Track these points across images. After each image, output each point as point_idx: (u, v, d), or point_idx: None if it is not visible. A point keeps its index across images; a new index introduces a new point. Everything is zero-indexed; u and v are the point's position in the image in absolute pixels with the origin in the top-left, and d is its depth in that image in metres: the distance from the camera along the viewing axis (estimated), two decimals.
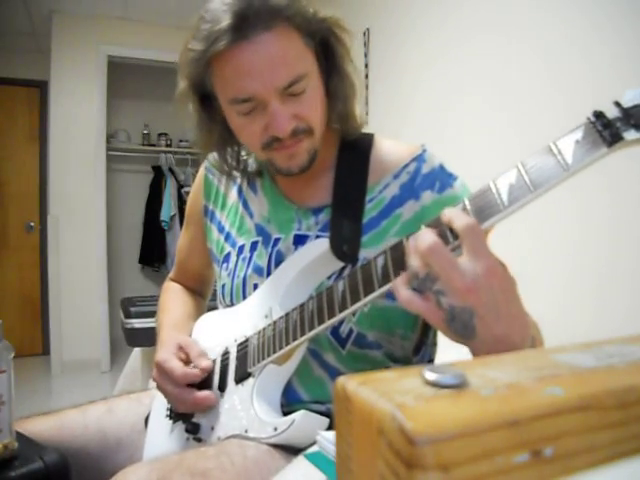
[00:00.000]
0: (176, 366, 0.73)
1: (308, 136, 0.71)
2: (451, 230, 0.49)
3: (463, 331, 0.48)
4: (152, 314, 2.24)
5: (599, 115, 0.45)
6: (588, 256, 1.40)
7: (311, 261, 0.73)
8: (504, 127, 1.72)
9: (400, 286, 0.50)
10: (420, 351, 0.78)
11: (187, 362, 0.76)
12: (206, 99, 0.75)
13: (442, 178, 0.75)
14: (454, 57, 1.99)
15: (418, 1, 2.24)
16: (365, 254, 0.73)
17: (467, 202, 0.52)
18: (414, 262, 0.49)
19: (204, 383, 0.76)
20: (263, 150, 0.72)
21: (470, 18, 1.90)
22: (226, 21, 0.63)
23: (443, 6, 2.07)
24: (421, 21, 2.21)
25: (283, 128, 0.68)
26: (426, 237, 0.48)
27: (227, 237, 0.87)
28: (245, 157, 0.87)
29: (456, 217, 0.49)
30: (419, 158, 0.76)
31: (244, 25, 0.64)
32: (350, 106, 0.76)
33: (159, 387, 0.76)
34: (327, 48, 0.72)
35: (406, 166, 0.76)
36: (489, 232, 0.52)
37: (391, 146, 0.80)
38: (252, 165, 0.88)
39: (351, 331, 0.73)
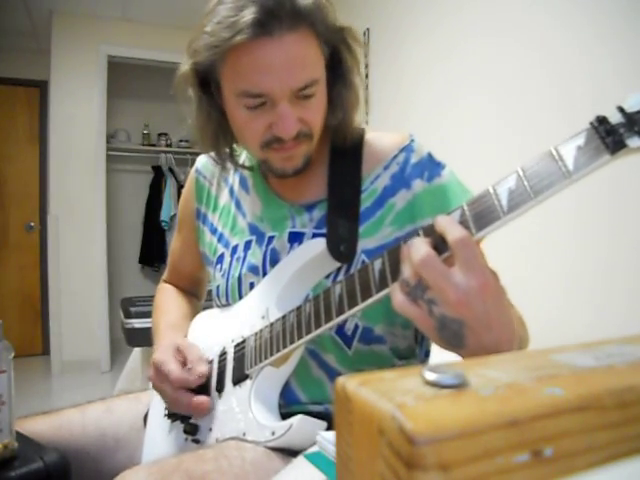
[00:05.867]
0: (173, 369, 0.73)
1: (308, 140, 0.71)
2: (444, 241, 0.49)
3: (453, 339, 0.48)
4: (152, 314, 2.24)
5: (602, 120, 0.44)
6: (587, 257, 1.40)
7: (307, 261, 0.73)
8: (504, 128, 1.72)
9: (396, 291, 0.51)
10: (423, 339, 0.80)
11: (185, 364, 0.75)
12: (206, 85, 0.74)
13: (430, 167, 0.75)
14: (454, 57, 1.99)
15: (418, 1, 2.24)
16: (363, 245, 0.73)
17: (466, 207, 0.51)
18: (406, 270, 0.50)
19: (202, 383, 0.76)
20: (262, 149, 0.71)
21: (470, 18, 1.90)
22: (252, 14, 0.62)
23: (443, 6, 2.07)
24: (421, 21, 2.21)
25: (289, 131, 0.67)
26: (420, 248, 0.49)
27: (220, 238, 0.87)
28: (237, 153, 0.86)
29: (449, 229, 0.49)
30: (407, 148, 0.76)
31: (270, 21, 0.63)
32: (350, 115, 0.77)
33: (155, 387, 0.76)
34: (337, 57, 0.73)
35: (395, 157, 0.76)
36: (481, 241, 0.52)
37: (380, 137, 0.81)
38: (244, 162, 0.87)
39: (357, 327, 0.73)
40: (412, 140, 0.77)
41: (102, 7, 3.49)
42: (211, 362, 0.79)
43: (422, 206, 0.73)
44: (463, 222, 0.51)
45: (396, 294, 0.51)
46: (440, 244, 0.50)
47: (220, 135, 0.79)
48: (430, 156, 0.76)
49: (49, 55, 3.53)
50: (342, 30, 0.71)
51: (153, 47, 3.69)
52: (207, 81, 0.73)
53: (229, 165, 0.85)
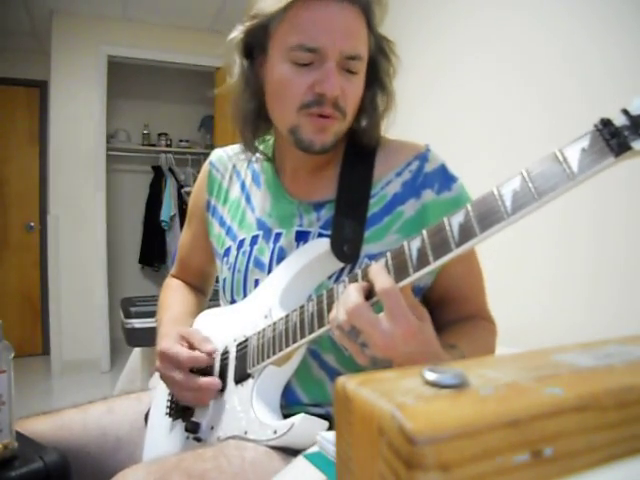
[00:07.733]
0: (181, 350, 0.74)
1: (341, 118, 0.72)
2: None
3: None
4: (152, 314, 2.24)
5: (606, 123, 0.44)
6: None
7: (311, 261, 0.73)
8: (506, 128, 1.72)
9: (334, 327, 0.57)
10: None
11: (191, 348, 0.76)
12: (250, 57, 0.76)
13: (442, 180, 0.75)
14: (454, 57, 1.99)
15: (419, 2, 2.24)
16: (367, 250, 0.73)
17: (470, 208, 0.51)
18: (340, 316, 0.55)
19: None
20: (299, 111, 0.71)
21: (471, 20, 1.90)
22: None
23: (444, 8, 2.07)
24: (421, 22, 2.21)
25: (334, 87, 0.69)
26: (351, 297, 0.54)
27: (228, 231, 0.87)
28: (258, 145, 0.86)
29: (377, 278, 0.54)
30: (422, 157, 0.76)
31: None
32: (380, 119, 0.79)
33: (163, 377, 0.76)
34: (375, 65, 0.76)
35: (409, 164, 0.76)
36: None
37: (396, 144, 0.81)
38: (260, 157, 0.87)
39: None
40: (428, 149, 0.78)
41: (102, 7, 3.49)
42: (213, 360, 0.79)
43: (430, 217, 0.73)
44: (466, 222, 0.51)
45: (334, 329, 0.57)
46: (371, 289, 0.56)
47: (250, 117, 0.79)
48: (444, 167, 0.76)
49: (49, 55, 3.52)
50: (385, 38, 0.75)
51: (153, 47, 3.69)
52: (251, 52, 0.76)
53: (248, 152, 0.85)
